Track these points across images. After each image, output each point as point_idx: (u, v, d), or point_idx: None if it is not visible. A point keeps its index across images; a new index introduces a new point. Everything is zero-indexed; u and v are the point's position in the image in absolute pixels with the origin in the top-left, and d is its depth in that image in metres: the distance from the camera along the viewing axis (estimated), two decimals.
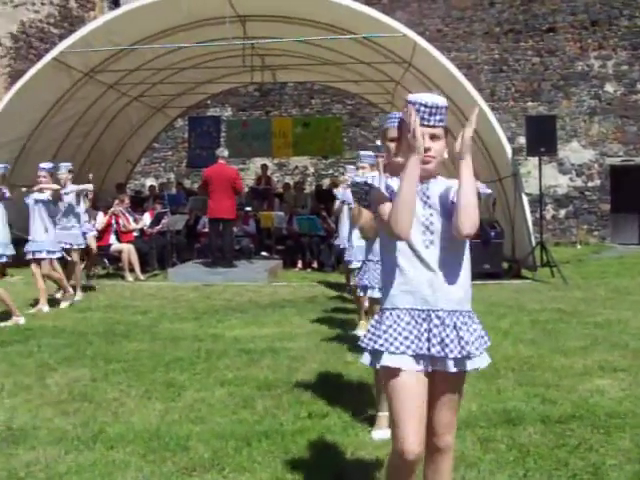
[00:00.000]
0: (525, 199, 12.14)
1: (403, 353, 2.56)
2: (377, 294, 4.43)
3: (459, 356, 2.55)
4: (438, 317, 2.57)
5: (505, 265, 12.56)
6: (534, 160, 15.76)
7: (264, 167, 19.05)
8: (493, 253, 11.75)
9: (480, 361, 2.62)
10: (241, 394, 5.02)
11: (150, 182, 21.43)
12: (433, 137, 2.63)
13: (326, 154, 20.41)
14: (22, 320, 7.95)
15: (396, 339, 2.58)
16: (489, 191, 2.71)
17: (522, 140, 17.74)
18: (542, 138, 12.20)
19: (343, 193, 8.68)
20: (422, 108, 2.59)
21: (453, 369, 2.56)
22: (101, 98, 14.78)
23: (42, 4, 21.01)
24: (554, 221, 20.38)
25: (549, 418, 4.40)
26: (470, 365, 2.60)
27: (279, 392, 5.06)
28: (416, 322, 2.59)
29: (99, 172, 16.18)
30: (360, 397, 4.88)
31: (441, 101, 2.62)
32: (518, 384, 5.24)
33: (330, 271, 13.54)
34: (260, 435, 4.11)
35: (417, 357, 2.58)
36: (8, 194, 8.14)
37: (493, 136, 12.01)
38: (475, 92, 11.91)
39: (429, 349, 2.55)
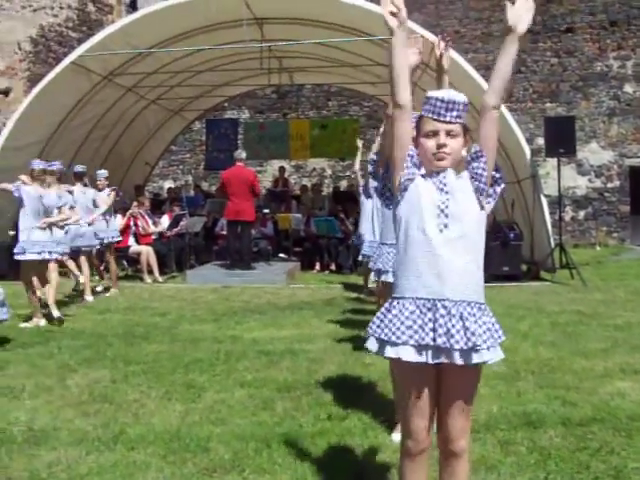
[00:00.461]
0: (544, 200, 12.08)
1: (404, 343, 2.54)
2: (391, 278, 4.30)
3: (465, 347, 2.50)
4: (444, 307, 2.54)
5: (524, 267, 12.50)
6: (552, 161, 15.68)
7: (281, 169, 19.08)
8: (512, 255, 11.69)
9: (489, 355, 2.55)
10: (261, 396, 5.03)
11: (168, 184, 21.51)
12: (449, 133, 2.61)
13: (343, 156, 20.39)
14: (43, 322, 8.02)
15: (398, 329, 2.55)
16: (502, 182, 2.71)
17: (540, 141, 17.65)
18: (561, 139, 12.14)
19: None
20: (438, 103, 2.59)
21: (459, 361, 2.51)
22: (119, 101, 14.85)
23: (61, 8, 21.15)
24: (573, 222, 20.24)
25: (570, 421, 4.38)
26: (477, 358, 2.53)
27: (298, 394, 5.07)
28: (421, 311, 2.56)
29: (117, 174, 16.27)
30: (379, 399, 4.88)
31: (459, 97, 2.59)
32: (538, 386, 5.21)
33: (348, 273, 13.54)
34: (280, 437, 4.12)
35: (420, 347, 2.53)
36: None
37: (511, 137, 11.95)
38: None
39: (434, 339, 2.52)
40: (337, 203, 16.08)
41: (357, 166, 10.05)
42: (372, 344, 2.65)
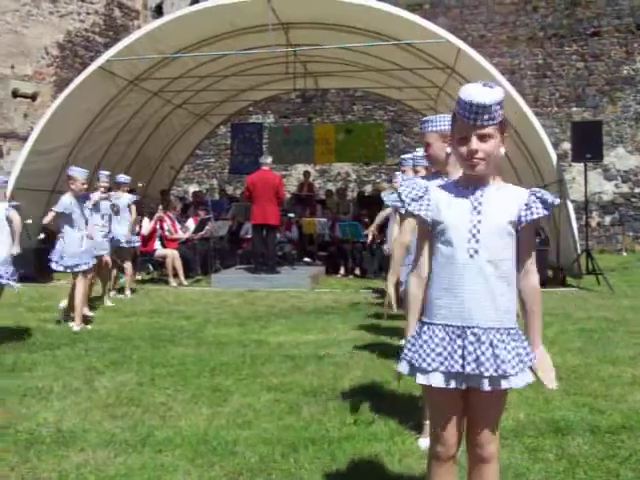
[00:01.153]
0: (570, 206, 11.99)
1: (434, 370, 2.55)
2: None
3: (495, 374, 2.48)
4: (474, 334, 2.51)
5: (550, 273, 12.41)
6: (578, 166, 15.58)
7: (306, 174, 19.12)
8: (538, 260, 11.47)
9: (516, 381, 2.52)
10: (287, 400, 5.03)
11: (193, 189, 21.63)
12: (482, 137, 2.50)
13: (368, 160, 20.40)
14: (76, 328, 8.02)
15: (429, 355, 2.56)
16: (558, 201, 2.59)
17: (566, 146, 17.55)
18: (588, 144, 12.05)
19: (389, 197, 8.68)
20: (467, 107, 2.48)
21: (487, 388, 2.50)
22: (145, 106, 14.97)
23: (87, 14, 21.36)
24: (599, 228, 20.07)
25: (598, 428, 4.33)
26: (506, 384, 2.51)
27: (324, 398, 5.06)
28: (450, 339, 2.54)
29: (143, 179, 16.38)
30: (406, 404, 4.86)
31: (489, 98, 2.45)
32: (566, 393, 5.16)
33: (373, 278, 13.52)
34: (307, 441, 4.11)
35: (449, 375, 2.54)
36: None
37: (537, 142, 11.89)
38: (519, 98, 11.82)
39: (463, 367, 2.51)
40: (362, 207, 16.08)
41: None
42: (404, 367, 2.66)
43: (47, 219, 8.10)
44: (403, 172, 6.15)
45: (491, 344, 2.49)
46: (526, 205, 2.54)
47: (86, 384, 5.52)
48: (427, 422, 4.14)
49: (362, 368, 5.98)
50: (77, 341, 7.20)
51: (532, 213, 2.52)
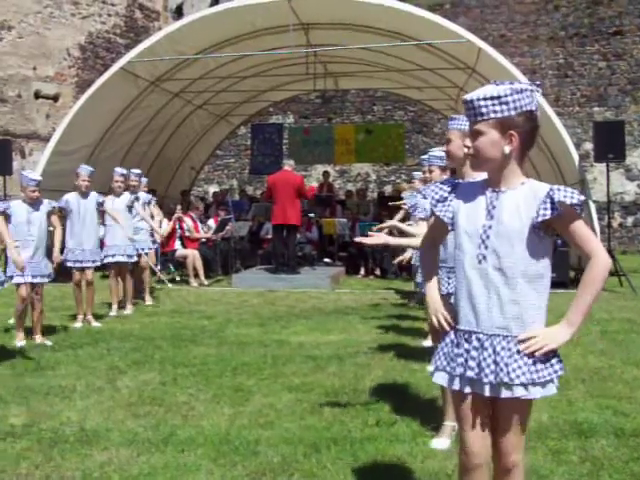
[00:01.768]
0: (592, 206, 11.90)
1: (441, 370, 2.62)
2: None
3: (494, 382, 2.45)
4: (478, 339, 2.50)
5: (572, 274, 12.32)
6: (600, 167, 15.48)
7: (326, 174, 19.12)
8: (560, 261, 11.48)
9: (522, 391, 2.44)
10: (308, 400, 5.03)
11: (213, 189, 21.70)
12: (473, 134, 2.50)
13: (388, 161, 20.37)
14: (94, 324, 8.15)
15: (440, 357, 2.63)
16: (582, 197, 2.45)
17: (588, 146, 17.45)
18: (610, 144, 11.96)
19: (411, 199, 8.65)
20: (464, 106, 2.51)
21: (487, 393, 2.48)
22: (166, 106, 15.04)
23: (109, 15, 21.51)
24: (621, 229, 19.91)
25: (622, 431, 4.29)
26: (507, 393, 2.45)
27: (346, 399, 5.06)
28: (458, 342, 2.56)
29: (164, 179, 16.47)
30: (428, 405, 4.85)
31: (474, 94, 2.46)
32: (589, 395, 5.13)
33: (393, 278, 13.50)
34: (329, 441, 4.11)
35: (452, 376, 2.57)
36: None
37: (559, 142, 11.81)
38: (540, 97, 11.71)
39: (465, 371, 2.52)
40: (382, 208, 16.05)
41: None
42: (431, 366, 2.73)
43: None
44: (424, 173, 6.11)
45: (494, 351, 2.46)
46: (541, 205, 2.43)
47: (109, 383, 5.55)
48: (445, 423, 4.15)
49: (383, 369, 5.97)
50: (99, 341, 7.24)
51: (544, 215, 2.41)
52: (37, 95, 18.98)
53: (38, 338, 7.14)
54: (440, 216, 2.64)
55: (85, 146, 13.26)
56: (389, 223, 4.49)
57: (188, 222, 13.07)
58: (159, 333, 7.70)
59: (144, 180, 10.92)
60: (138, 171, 10.35)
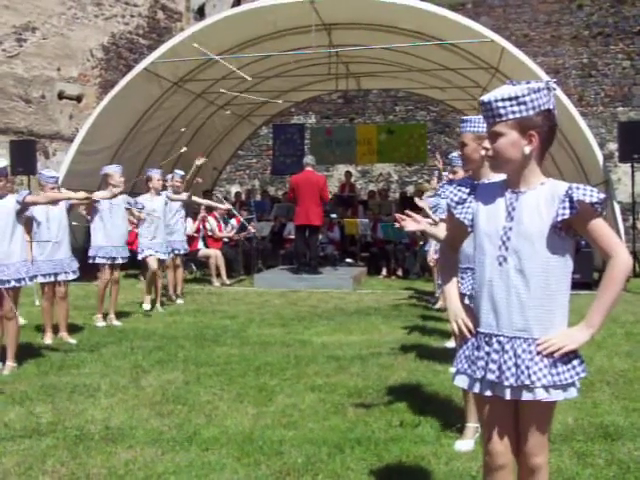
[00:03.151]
0: (617, 207, 11.79)
1: (462, 373, 2.60)
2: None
3: (515, 385, 2.43)
4: (499, 342, 2.48)
5: (596, 275, 12.22)
6: (624, 167, 15.31)
7: (347, 174, 19.09)
8: (584, 262, 11.41)
9: (544, 394, 2.41)
10: (332, 400, 5.02)
11: (235, 189, 21.73)
12: (492, 136, 2.48)
13: (410, 161, 20.29)
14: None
15: (461, 360, 2.62)
16: (603, 195, 2.40)
17: (612, 146, 17.29)
18: (635, 144, 11.87)
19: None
20: (482, 107, 2.49)
21: (508, 396, 2.46)
22: (189, 107, 15.08)
23: (131, 16, 21.60)
24: None
25: None
26: (529, 396, 2.43)
27: (370, 400, 5.05)
28: (479, 345, 2.54)
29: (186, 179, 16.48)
30: (451, 407, 4.83)
31: (495, 95, 2.43)
32: (615, 398, 5.08)
33: (415, 279, 13.45)
34: (353, 442, 4.10)
35: (473, 379, 2.56)
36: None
37: (583, 142, 11.71)
38: (564, 97, 11.65)
39: (485, 374, 2.50)
40: (404, 208, 15.98)
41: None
42: (453, 369, 2.72)
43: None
44: (449, 173, 6.06)
45: (515, 354, 2.44)
46: (560, 205, 2.39)
47: (133, 382, 5.58)
48: (468, 425, 4.13)
49: (407, 369, 5.95)
50: (123, 340, 7.28)
51: (563, 214, 2.37)
52: (61, 96, 19.09)
53: (65, 336, 7.22)
54: (460, 218, 2.63)
55: (108, 146, 13.34)
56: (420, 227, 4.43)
57: (211, 222, 13.13)
58: (182, 332, 7.73)
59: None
60: (181, 172, 10.79)
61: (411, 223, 3.83)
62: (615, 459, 3.87)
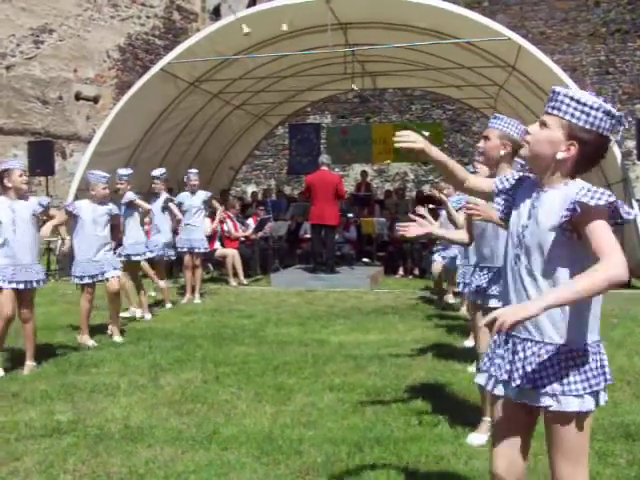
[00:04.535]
0: (636, 205, 11.69)
1: (485, 372, 2.59)
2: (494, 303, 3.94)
3: (520, 387, 2.40)
4: (513, 343, 2.46)
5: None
6: None
7: (363, 173, 19.07)
8: None
9: (550, 401, 2.34)
10: (350, 400, 5.02)
11: (251, 189, 21.77)
12: (542, 123, 2.41)
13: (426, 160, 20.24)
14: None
15: (485, 359, 2.61)
16: (632, 216, 2.31)
17: (630, 144, 17.15)
18: None
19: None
20: (550, 94, 2.44)
21: (514, 398, 2.44)
22: (205, 107, 15.12)
23: (147, 17, 21.70)
24: None
25: None
26: (532, 400, 2.38)
27: (388, 399, 5.05)
28: (498, 344, 2.53)
29: (203, 179, 16.53)
30: (470, 406, 4.80)
31: (567, 91, 2.37)
32: (635, 397, 5.05)
33: (432, 278, 13.39)
34: (372, 441, 4.10)
35: (489, 377, 2.55)
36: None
37: None
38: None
39: (496, 372, 2.50)
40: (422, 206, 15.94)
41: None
42: (472, 367, 2.72)
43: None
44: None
45: (524, 356, 2.41)
46: (566, 206, 2.33)
47: (151, 381, 5.60)
48: (484, 419, 4.13)
49: (425, 369, 5.93)
50: (141, 339, 7.31)
51: (565, 215, 2.31)
52: (77, 97, 19.21)
53: (117, 337, 7.36)
54: (495, 207, 2.65)
55: (125, 147, 13.38)
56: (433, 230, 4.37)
57: (228, 222, 13.15)
58: (200, 332, 7.75)
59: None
60: (196, 170, 10.87)
61: (414, 229, 3.77)
62: (636, 459, 3.85)
